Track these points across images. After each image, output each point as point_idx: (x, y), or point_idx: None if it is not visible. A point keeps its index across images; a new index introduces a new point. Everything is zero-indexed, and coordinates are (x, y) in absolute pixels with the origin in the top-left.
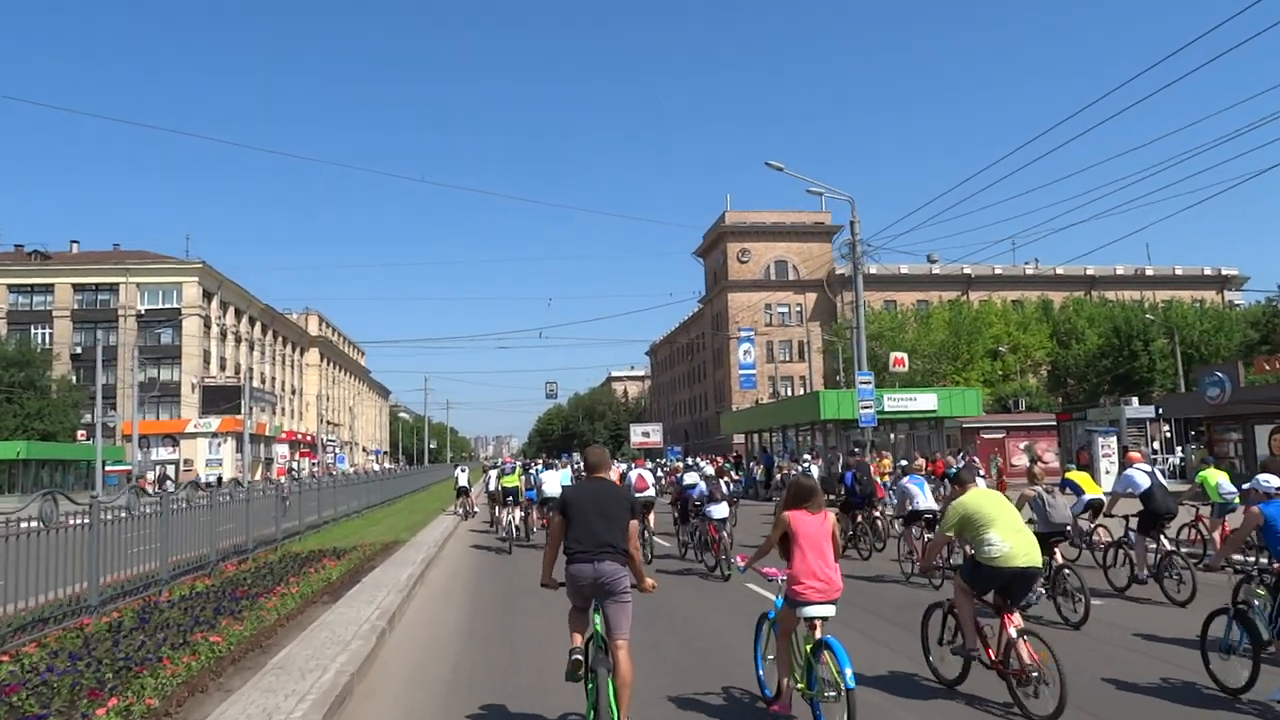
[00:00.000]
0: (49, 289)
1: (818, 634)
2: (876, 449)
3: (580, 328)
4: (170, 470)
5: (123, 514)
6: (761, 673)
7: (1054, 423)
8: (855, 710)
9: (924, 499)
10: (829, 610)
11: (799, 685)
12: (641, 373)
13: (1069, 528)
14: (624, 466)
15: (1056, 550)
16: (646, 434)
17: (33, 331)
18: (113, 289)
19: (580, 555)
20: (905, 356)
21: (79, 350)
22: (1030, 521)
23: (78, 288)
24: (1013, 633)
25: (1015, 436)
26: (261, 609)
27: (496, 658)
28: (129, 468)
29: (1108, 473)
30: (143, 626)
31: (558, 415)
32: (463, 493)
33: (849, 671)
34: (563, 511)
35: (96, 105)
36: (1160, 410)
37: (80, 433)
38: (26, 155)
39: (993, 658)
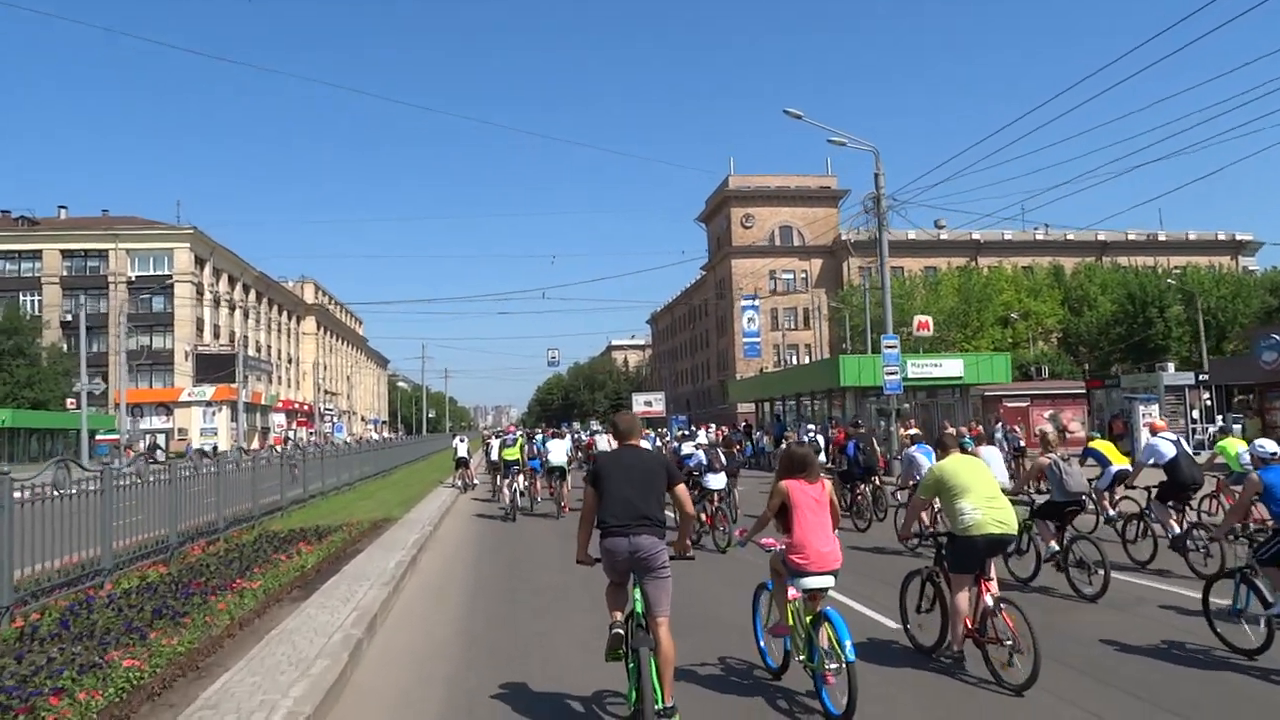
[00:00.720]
0: (37, 255)
1: (818, 606)
2: (902, 417)
3: (583, 288)
4: (161, 439)
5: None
6: (762, 643)
7: (1082, 390)
8: (856, 683)
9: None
10: (828, 581)
11: (800, 657)
12: (642, 342)
13: (1086, 497)
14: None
15: (1072, 521)
16: (649, 403)
17: (21, 298)
18: (102, 255)
19: (615, 529)
20: (930, 320)
21: (69, 318)
22: (1045, 491)
23: (66, 254)
24: (989, 601)
25: (1039, 405)
26: (212, 610)
27: (505, 669)
28: (117, 436)
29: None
30: (57, 636)
31: (558, 385)
32: (462, 464)
33: (849, 644)
34: (594, 483)
35: (80, 63)
36: (1202, 376)
37: (70, 401)
38: (12, 119)
39: (969, 626)
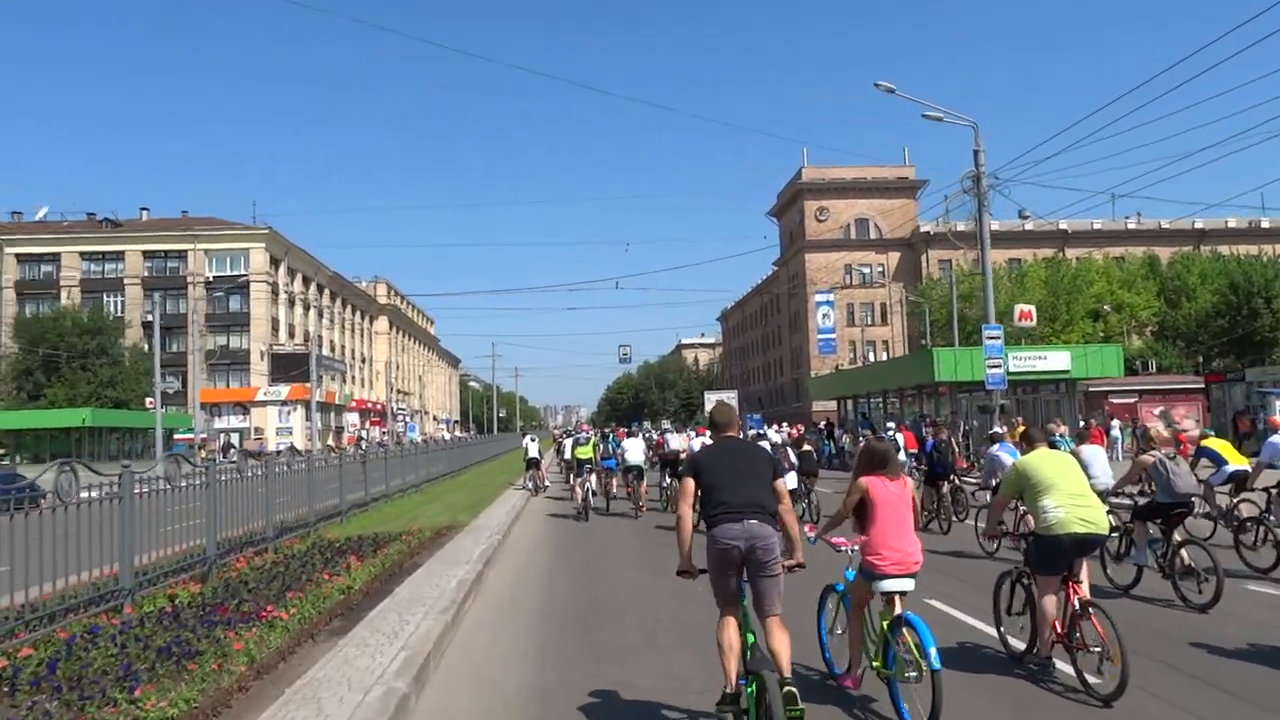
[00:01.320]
0: (120, 256)
1: (896, 609)
2: (1007, 414)
3: (657, 277)
4: (235, 438)
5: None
6: (827, 649)
7: (1198, 385)
8: (941, 692)
9: None
10: (908, 584)
11: (874, 663)
12: (712, 340)
13: (1195, 499)
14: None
15: (1179, 525)
16: (721, 401)
17: (105, 299)
18: (181, 256)
19: (725, 514)
20: (1033, 310)
21: (150, 317)
22: (1148, 492)
23: (148, 255)
24: (1077, 605)
25: (1149, 401)
26: (227, 649)
27: None
28: (192, 436)
29: None
30: (37, 685)
31: (628, 384)
32: (533, 464)
33: (933, 651)
34: (694, 475)
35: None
36: None
37: (149, 400)
38: (98, 124)
39: (1058, 630)
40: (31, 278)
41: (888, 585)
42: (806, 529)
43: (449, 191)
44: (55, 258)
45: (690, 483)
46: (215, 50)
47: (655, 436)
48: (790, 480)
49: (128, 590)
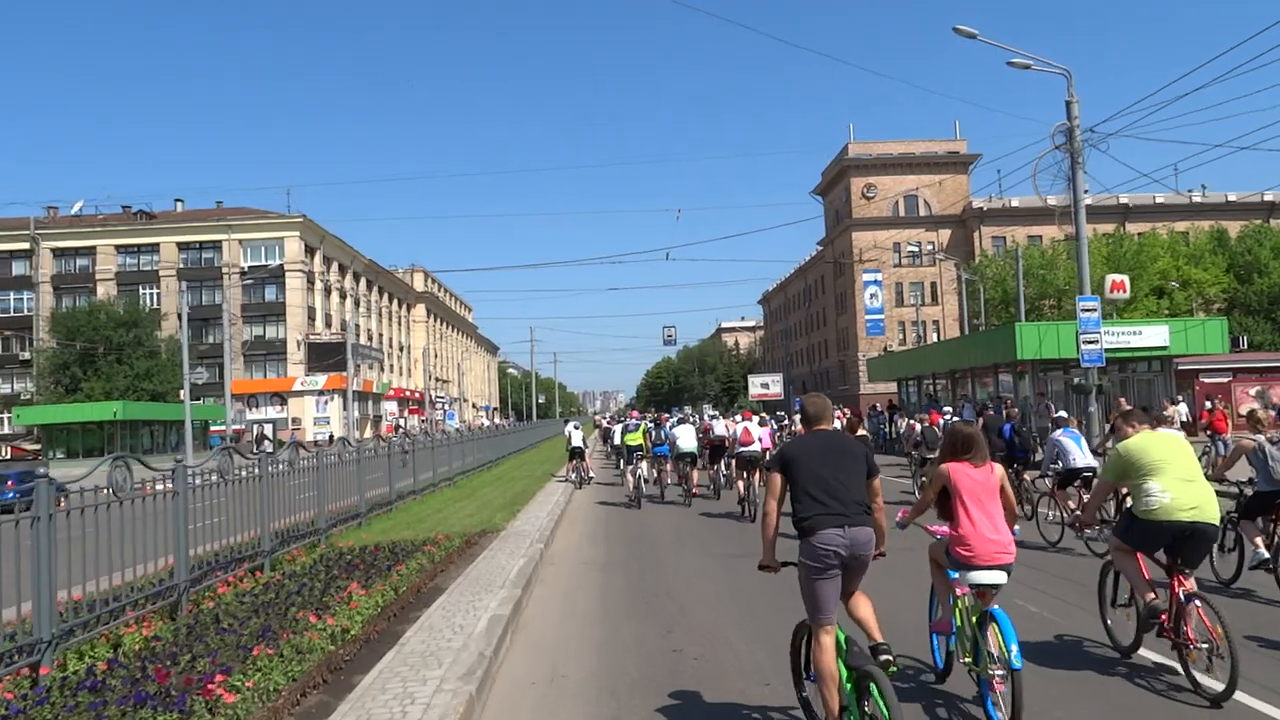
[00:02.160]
0: (155, 249)
1: (985, 604)
2: (1106, 395)
3: (706, 248)
4: (269, 429)
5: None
6: (935, 640)
7: None
8: (1021, 693)
9: (1080, 455)
10: (999, 577)
11: (964, 659)
12: (752, 323)
13: None
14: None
15: None
16: (766, 385)
17: (140, 292)
18: (216, 246)
19: (826, 518)
20: (1126, 280)
21: (186, 309)
22: (1249, 480)
23: (182, 246)
24: (1183, 597)
25: (1244, 380)
26: None
27: None
28: (226, 428)
29: None
30: None
31: (667, 368)
32: (576, 454)
33: (1015, 649)
34: (784, 470)
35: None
36: None
37: (183, 392)
38: (134, 118)
39: (1164, 625)
40: (68, 271)
41: (977, 578)
42: (899, 514)
43: (481, 171)
44: (90, 251)
45: (778, 479)
46: (245, 43)
47: (703, 422)
48: None
49: (50, 640)
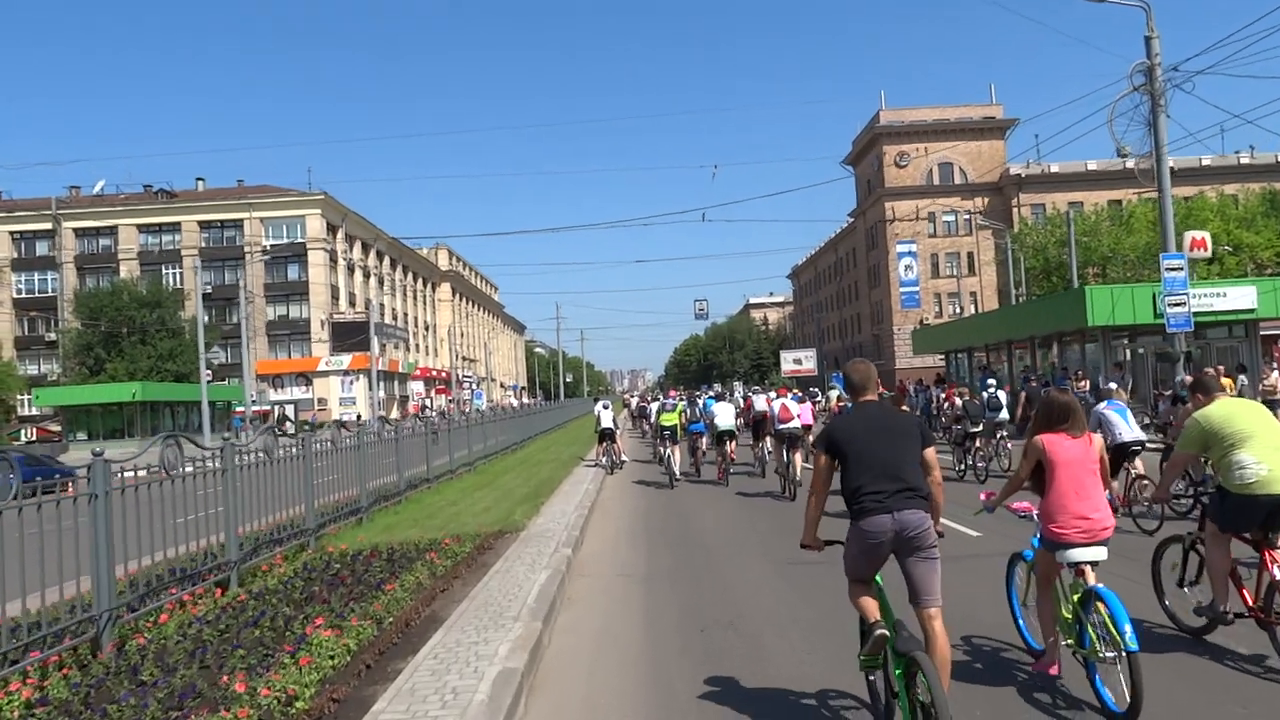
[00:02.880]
0: (176, 228)
1: (1087, 581)
2: (1194, 364)
3: (743, 208)
4: (290, 410)
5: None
6: (1021, 621)
7: None
8: (1140, 677)
9: (1127, 429)
10: (1099, 553)
11: (1067, 641)
12: (781, 299)
13: None
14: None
15: None
16: (799, 361)
17: (163, 272)
18: (237, 225)
19: (874, 504)
20: (1207, 237)
21: (209, 289)
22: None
23: (204, 225)
24: (1277, 574)
25: None
26: None
27: None
28: (251, 409)
29: None
30: None
31: (695, 346)
32: (607, 436)
33: (1129, 629)
34: (831, 450)
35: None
36: None
37: (207, 373)
38: (154, 97)
39: (1250, 603)
40: (90, 252)
41: (1075, 555)
42: (982, 495)
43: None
44: (113, 230)
45: (826, 461)
46: (268, 23)
47: (743, 399)
48: None
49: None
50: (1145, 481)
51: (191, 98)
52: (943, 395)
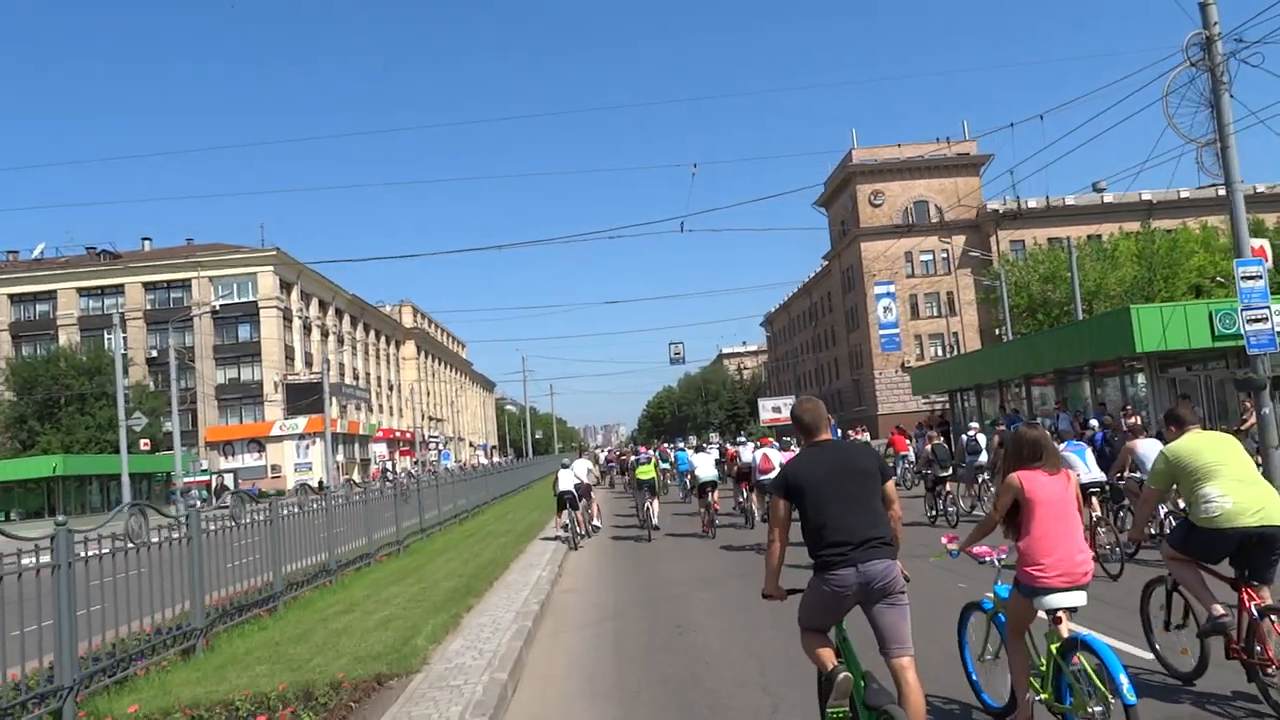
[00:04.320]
0: (119, 290)
1: (1064, 629)
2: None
3: (721, 216)
4: (229, 480)
5: None
6: (976, 678)
7: None
8: None
9: (1086, 470)
10: (1079, 598)
11: (1042, 696)
12: (755, 347)
13: None
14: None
15: None
16: (778, 409)
17: (105, 336)
18: (185, 285)
19: (837, 558)
20: (1266, 244)
21: (154, 353)
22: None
23: (149, 286)
24: (1255, 612)
25: None
26: None
27: None
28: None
29: None
30: None
31: (669, 398)
32: (567, 502)
33: (1126, 681)
34: (789, 496)
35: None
36: None
37: (144, 443)
38: (100, 156)
39: (1233, 645)
40: (27, 318)
41: (1055, 600)
42: (945, 539)
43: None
44: (51, 295)
45: (783, 505)
46: (219, 81)
47: (728, 448)
48: None
49: None
50: (1105, 526)
51: (141, 157)
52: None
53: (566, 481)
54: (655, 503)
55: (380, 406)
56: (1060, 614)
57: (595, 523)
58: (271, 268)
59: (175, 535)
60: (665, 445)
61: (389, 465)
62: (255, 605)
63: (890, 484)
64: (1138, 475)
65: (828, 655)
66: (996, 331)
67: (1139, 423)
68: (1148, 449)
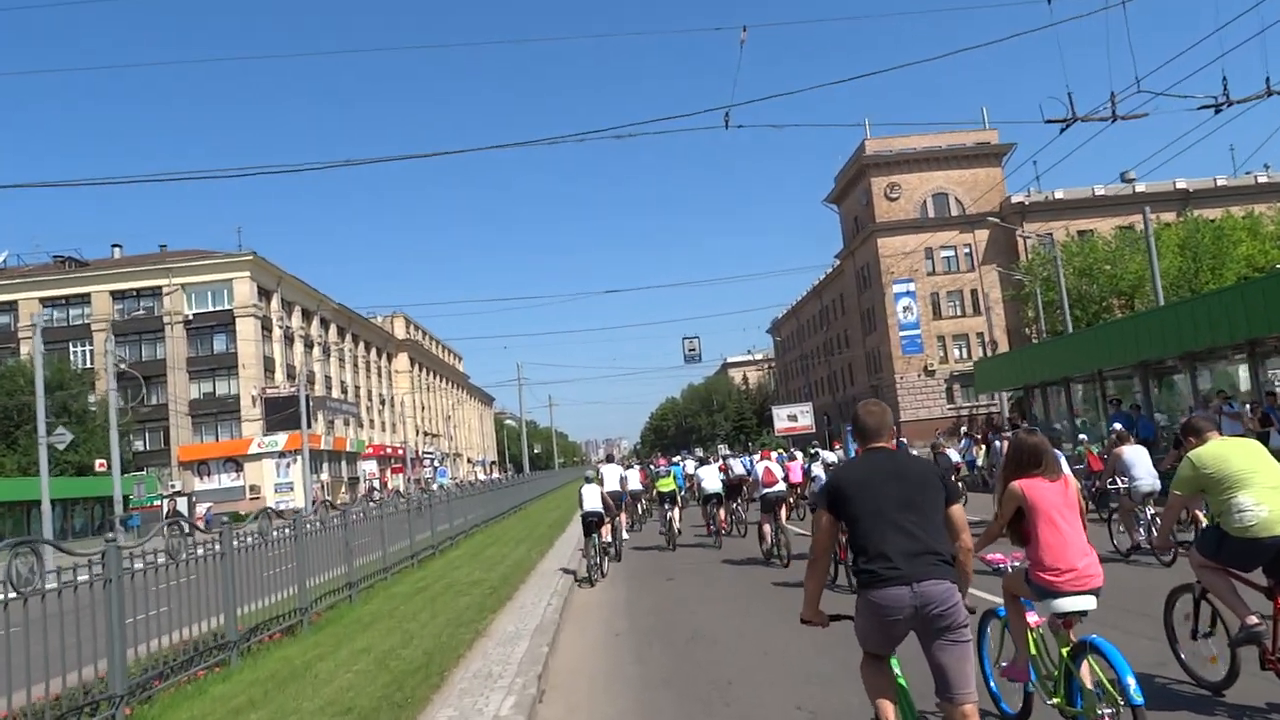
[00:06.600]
0: (86, 299)
1: (1074, 633)
2: None
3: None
4: (183, 503)
5: None
6: (993, 684)
7: None
8: None
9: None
10: (1089, 602)
11: (1052, 700)
12: (760, 356)
13: None
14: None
15: None
16: (794, 417)
17: (71, 349)
18: (155, 294)
19: (888, 571)
20: None
21: (123, 367)
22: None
23: (117, 295)
24: None
25: None
26: None
27: None
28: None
29: None
30: None
31: (672, 410)
32: (595, 524)
33: (1132, 681)
34: (833, 508)
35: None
36: None
37: (99, 463)
38: (70, 160)
39: (1269, 655)
40: None
41: (1065, 605)
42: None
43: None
44: (12, 306)
45: (828, 519)
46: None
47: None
48: None
49: None
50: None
51: (115, 160)
52: (1000, 444)
53: (593, 500)
54: (677, 511)
55: (371, 422)
56: (1070, 618)
57: (624, 534)
58: (249, 273)
59: (83, 578)
60: (662, 460)
61: (376, 484)
62: (250, 637)
63: (958, 508)
64: (1124, 483)
65: (887, 710)
66: (1025, 331)
67: None
68: (1133, 455)
